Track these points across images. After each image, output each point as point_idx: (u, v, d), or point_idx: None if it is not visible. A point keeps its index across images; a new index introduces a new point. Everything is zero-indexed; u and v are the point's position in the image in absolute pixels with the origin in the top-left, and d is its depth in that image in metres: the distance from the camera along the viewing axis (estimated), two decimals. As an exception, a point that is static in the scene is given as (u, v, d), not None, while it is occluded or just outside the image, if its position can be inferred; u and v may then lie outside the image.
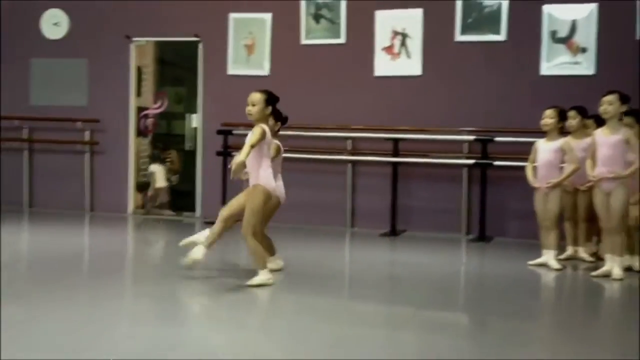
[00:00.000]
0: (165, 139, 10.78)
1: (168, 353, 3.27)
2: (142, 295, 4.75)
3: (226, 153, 8.56)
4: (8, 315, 3.82)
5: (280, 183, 5.36)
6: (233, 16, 8.72)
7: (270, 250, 5.26)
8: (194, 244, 5.15)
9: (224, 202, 8.56)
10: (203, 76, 8.99)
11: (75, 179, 9.35)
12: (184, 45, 9.29)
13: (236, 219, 4.97)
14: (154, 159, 10.10)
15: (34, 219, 8.74)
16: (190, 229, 8.21)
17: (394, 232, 7.83)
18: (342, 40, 8.40)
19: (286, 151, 8.31)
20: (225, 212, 5.00)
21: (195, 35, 8.91)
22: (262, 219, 4.91)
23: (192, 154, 9.55)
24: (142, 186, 9.70)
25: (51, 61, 9.40)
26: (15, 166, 9.55)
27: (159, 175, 9.81)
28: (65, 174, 9.39)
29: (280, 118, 5.42)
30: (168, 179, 9.97)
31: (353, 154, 8.39)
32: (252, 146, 4.71)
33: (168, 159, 10.18)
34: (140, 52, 9.61)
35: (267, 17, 8.63)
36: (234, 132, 8.60)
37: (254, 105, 4.86)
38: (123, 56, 9.24)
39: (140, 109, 9.85)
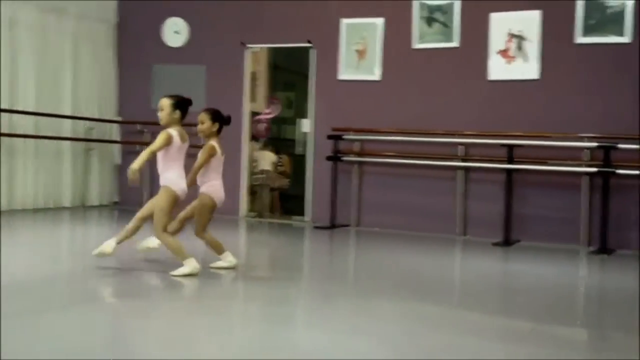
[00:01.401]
0: (277, 143, 10.99)
1: (277, 354, 3.29)
2: (251, 296, 4.83)
3: (336, 158, 8.61)
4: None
5: (216, 182, 5.47)
6: (345, 21, 8.76)
7: (219, 249, 5.27)
8: (149, 249, 5.42)
9: (333, 206, 8.62)
10: (314, 81, 9.08)
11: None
12: (296, 50, 9.43)
13: (149, 219, 5.12)
14: (262, 147, 10.32)
15: (151, 219, 9.11)
16: (300, 233, 8.32)
17: (507, 242, 7.58)
18: (455, 43, 8.24)
19: (397, 156, 8.37)
20: (139, 213, 5.15)
21: (308, 41, 9.02)
22: (169, 219, 5.04)
23: (302, 158, 9.67)
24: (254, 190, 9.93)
25: (172, 67, 9.82)
26: (136, 168, 10.02)
27: (264, 159, 10.00)
28: (182, 176, 9.75)
29: (217, 119, 5.46)
30: (280, 182, 10.14)
31: (465, 160, 8.19)
32: (152, 152, 4.90)
33: (279, 164, 10.36)
34: (254, 58, 9.85)
35: (379, 21, 8.60)
36: (344, 137, 8.64)
37: (162, 110, 5.04)
38: (238, 62, 9.50)
39: (253, 114, 10.10)
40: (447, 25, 8.25)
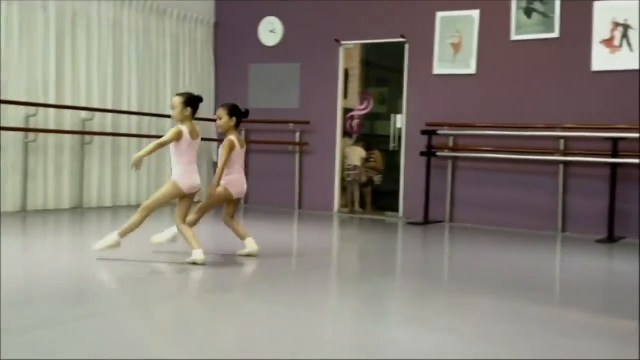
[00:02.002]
0: (370, 139, 10.96)
1: (374, 351, 3.29)
2: (346, 293, 4.84)
3: (430, 153, 8.50)
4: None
5: (235, 176, 5.50)
6: (440, 15, 8.64)
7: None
8: (160, 244, 5.49)
9: (426, 202, 8.52)
10: (408, 76, 9.00)
11: (286, 178, 9.85)
12: (389, 46, 9.38)
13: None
14: (354, 143, 10.32)
15: (249, 214, 9.32)
16: (393, 229, 8.27)
17: (611, 239, 7.24)
18: (555, 34, 7.95)
19: (494, 151, 8.18)
20: (144, 204, 5.21)
21: (402, 36, 8.95)
22: (161, 205, 5.16)
23: (395, 154, 9.61)
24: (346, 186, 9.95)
25: (267, 66, 10.00)
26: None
27: (354, 154, 10.00)
28: (278, 173, 9.93)
29: (234, 114, 5.54)
30: (371, 178, 10.11)
31: (565, 155, 7.90)
32: (160, 144, 5.06)
33: (372, 159, 10.33)
34: (347, 55, 9.87)
35: (475, 14, 8.42)
36: (439, 132, 8.52)
37: (174, 108, 5.16)
38: (332, 59, 9.55)
39: (346, 111, 10.12)
40: (547, 16, 7.97)
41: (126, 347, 3.17)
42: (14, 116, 7.85)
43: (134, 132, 9.28)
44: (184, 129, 5.13)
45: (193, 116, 5.25)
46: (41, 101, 8.10)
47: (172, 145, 5.13)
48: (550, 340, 3.56)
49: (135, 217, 5.12)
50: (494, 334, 3.63)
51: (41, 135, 8.07)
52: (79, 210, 8.50)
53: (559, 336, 3.62)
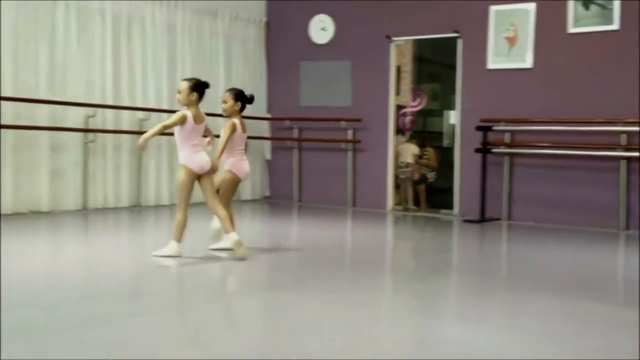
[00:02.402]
0: (422, 136, 10.87)
1: (434, 350, 3.25)
2: (401, 290, 4.81)
3: (485, 150, 8.37)
4: (282, 300, 4.13)
5: (237, 159, 5.57)
6: (494, 8, 8.49)
7: (229, 227, 5.30)
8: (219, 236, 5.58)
9: (482, 199, 8.38)
10: (461, 72, 8.88)
11: (338, 175, 9.84)
12: (442, 41, 9.27)
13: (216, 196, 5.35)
14: (408, 140, 10.25)
15: (302, 212, 9.36)
16: (448, 227, 8.17)
17: (676, 237, 7.00)
18: (615, 26, 7.71)
19: (552, 147, 8.00)
20: (177, 203, 5.34)
21: (455, 31, 8.84)
22: (188, 192, 5.20)
23: (449, 150, 9.50)
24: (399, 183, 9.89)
25: (318, 64, 10.01)
26: (286, 163, 10.35)
27: (407, 151, 9.92)
28: (330, 171, 9.93)
29: (240, 99, 5.70)
30: (424, 176, 10.02)
31: (627, 150, 7.66)
32: (164, 127, 5.15)
33: (425, 156, 10.24)
34: (399, 51, 9.80)
35: (531, 6, 8.24)
36: (494, 128, 8.38)
37: (180, 92, 5.25)
38: (383, 56, 9.50)
39: (399, 107, 10.05)
40: (606, 7, 7.75)
41: (183, 343, 3.21)
42: (73, 117, 8.06)
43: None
44: (188, 113, 5.23)
45: (199, 101, 5.34)
46: (99, 102, 8.29)
47: (176, 129, 5.23)
48: (612, 339, 3.46)
49: (177, 217, 5.22)
50: (555, 333, 3.55)
51: (100, 135, 8.26)
52: (137, 208, 8.68)
53: (622, 336, 3.51)
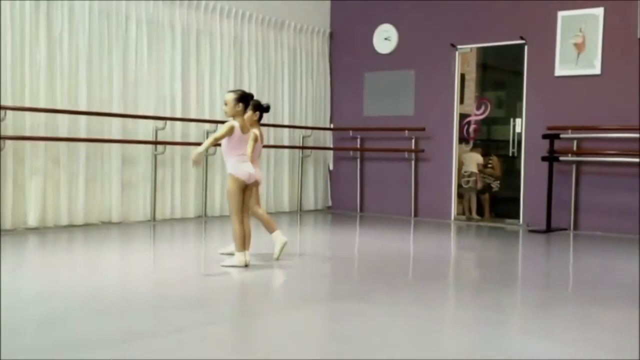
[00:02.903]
0: (487, 144, 10.72)
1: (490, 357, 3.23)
2: (466, 302, 4.77)
3: (552, 158, 8.21)
4: (348, 309, 4.16)
5: (236, 161, 5.43)
6: (562, 14, 8.33)
7: (271, 227, 5.73)
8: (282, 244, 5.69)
9: (549, 208, 8.21)
10: (527, 79, 8.75)
11: (401, 185, 9.82)
12: (507, 48, 9.15)
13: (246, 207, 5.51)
14: (472, 149, 10.14)
15: (365, 222, 9.37)
16: (514, 237, 8.04)
17: None
18: (688, 30, 7.47)
19: (621, 154, 7.77)
20: (230, 212, 5.48)
21: (521, 38, 8.71)
22: (239, 201, 5.37)
23: (515, 159, 9.34)
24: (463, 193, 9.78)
25: (382, 74, 10.04)
26: (348, 173, 10.39)
27: (471, 160, 9.81)
28: (393, 180, 9.92)
29: (258, 108, 5.85)
30: (488, 185, 9.89)
31: (703, 158, 7.38)
32: (216, 139, 5.26)
33: (489, 165, 10.10)
34: (463, 59, 9.73)
35: (599, 12, 8.06)
36: (561, 135, 8.21)
37: (226, 104, 5.38)
38: (447, 64, 9.44)
39: (463, 116, 9.96)
40: (678, 10, 7.51)
41: (246, 352, 3.28)
42: (143, 130, 8.33)
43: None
44: (236, 123, 5.34)
45: (244, 112, 5.45)
46: (168, 115, 8.54)
47: (224, 140, 5.34)
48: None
49: (233, 227, 5.36)
50: (623, 348, 3.46)
51: (168, 147, 8.50)
52: (203, 218, 8.88)
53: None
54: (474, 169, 9.84)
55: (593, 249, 7.07)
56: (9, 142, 7.01)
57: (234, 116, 5.40)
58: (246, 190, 5.42)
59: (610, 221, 7.94)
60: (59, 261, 5.84)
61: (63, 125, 7.52)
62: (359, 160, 10.27)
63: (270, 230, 5.72)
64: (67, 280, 4.99)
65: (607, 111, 8.01)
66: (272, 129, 9.77)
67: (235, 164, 5.36)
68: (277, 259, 5.65)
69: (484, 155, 10.08)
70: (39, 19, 7.36)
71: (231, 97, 5.42)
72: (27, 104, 7.22)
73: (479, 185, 9.83)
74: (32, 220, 7.25)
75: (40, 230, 7.23)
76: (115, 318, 3.79)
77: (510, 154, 10.32)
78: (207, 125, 8.96)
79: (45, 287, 4.59)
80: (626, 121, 7.82)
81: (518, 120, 9.07)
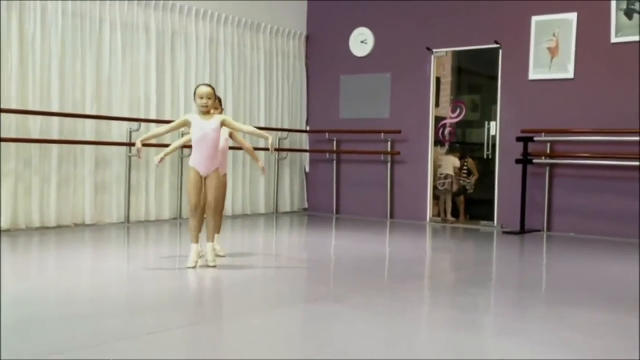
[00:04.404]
0: (462, 147, 10.80)
1: (473, 361, 3.24)
2: (441, 303, 4.79)
3: (526, 161, 8.29)
4: (330, 311, 4.15)
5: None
6: (536, 19, 8.43)
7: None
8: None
9: (522, 210, 8.29)
10: (502, 83, 8.83)
11: (377, 187, 9.85)
12: (481, 52, 9.23)
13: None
14: (447, 151, 10.19)
15: (340, 224, 9.38)
16: (488, 238, 8.10)
17: None
18: (659, 35, 7.60)
19: (593, 157, 7.87)
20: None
21: (495, 42, 8.80)
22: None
23: (489, 162, 9.42)
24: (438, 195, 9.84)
25: (358, 77, 10.06)
26: (324, 176, 10.39)
27: (446, 162, 9.88)
28: (369, 182, 9.94)
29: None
30: (463, 187, 9.95)
31: (673, 161, 7.51)
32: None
33: (464, 168, 10.17)
34: (439, 63, 9.79)
35: (573, 17, 8.17)
36: (535, 138, 8.30)
37: (210, 98, 5.29)
38: (423, 68, 9.49)
39: (438, 119, 10.02)
40: (649, 16, 7.63)
41: (225, 354, 3.26)
42: (117, 131, 8.25)
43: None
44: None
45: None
46: (143, 117, 8.47)
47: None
48: (660, 356, 3.39)
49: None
50: (597, 347, 3.50)
51: (143, 148, 8.39)
52: (177, 220, 8.81)
53: (670, 352, 3.44)
54: (450, 172, 9.90)
55: (566, 250, 7.15)
56: (-21, 143, 6.90)
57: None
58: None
59: (583, 222, 8.04)
60: (29, 264, 5.75)
61: (35, 126, 7.42)
62: (335, 163, 10.28)
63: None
64: (38, 283, 4.92)
65: (580, 115, 8.11)
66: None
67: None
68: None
69: (459, 157, 10.14)
70: (11, 20, 7.25)
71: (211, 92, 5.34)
72: (-2, 105, 7.12)
73: (454, 188, 9.89)
74: (3, 223, 7.14)
75: (11, 232, 7.12)
76: (86, 321, 3.74)
77: (485, 157, 10.40)
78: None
79: (15, 290, 4.51)
80: (598, 125, 7.93)
81: (492, 123, 9.15)
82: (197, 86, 5.41)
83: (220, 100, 5.82)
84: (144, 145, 5.42)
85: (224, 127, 5.42)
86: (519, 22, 8.57)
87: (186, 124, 5.31)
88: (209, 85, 5.40)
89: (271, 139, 5.27)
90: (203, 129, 5.23)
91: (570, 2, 8.19)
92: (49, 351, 3.14)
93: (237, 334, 3.70)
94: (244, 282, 5.11)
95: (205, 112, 5.27)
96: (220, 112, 5.71)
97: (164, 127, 5.48)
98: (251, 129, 5.59)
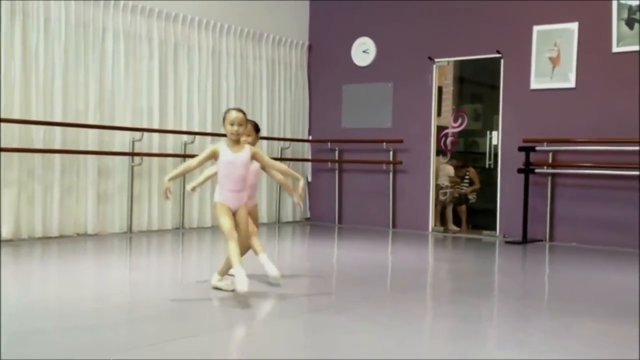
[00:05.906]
0: (464, 156, 10.81)
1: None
2: (443, 314, 4.78)
3: (528, 170, 8.29)
4: (331, 322, 4.15)
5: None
6: (537, 29, 8.45)
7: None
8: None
9: (525, 220, 8.28)
10: (503, 92, 8.84)
11: (379, 197, 9.85)
12: (484, 62, 9.25)
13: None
14: (447, 161, 10.20)
15: (343, 234, 9.37)
16: (490, 248, 8.09)
17: None
18: (660, 45, 7.61)
19: (596, 167, 7.87)
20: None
21: (497, 52, 8.81)
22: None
23: (491, 171, 9.42)
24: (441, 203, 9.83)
25: (360, 86, 10.08)
26: (326, 185, 10.40)
27: (442, 172, 9.88)
28: (371, 192, 9.94)
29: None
30: (465, 196, 9.95)
31: (675, 170, 7.50)
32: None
33: (466, 177, 10.18)
34: (441, 72, 9.81)
35: (574, 26, 8.19)
36: (537, 148, 8.30)
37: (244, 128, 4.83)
38: (425, 78, 9.51)
39: (440, 128, 10.03)
40: (650, 26, 7.65)
41: (228, 365, 3.26)
42: (120, 141, 8.27)
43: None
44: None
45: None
46: (146, 126, 8.49)
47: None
48: (663, 367, 3.38)
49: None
50: (603, 358, 3.48)
51: (145, 159, 8.45)
52: (180, 230, 8.81)
53: (673, 363, 3.43)
54: (445, 182, 9.91)
55: (568, 260, 7.14)
56: (-18, 153, 6.92)
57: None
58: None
59: (586, 232, 8.03)
60: (32, 274, 5.75)
61: (38, 136, 7.45)
62: (337, 172, 10.29)
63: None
64: (40, 293, 4.92)
65: (582, 124, 8.12)
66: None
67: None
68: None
69: (461, 167, 10.14)
70: (14, 29, 7.29)
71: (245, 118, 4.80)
72: (2, 115, 7.13)
73: (449, 198, 9.89)
74: (5, 233, 7.15)
75: (14, 242, 7.13)
76: (88, 332, 3.74)
77: (487, 166, 10.41)
78: (184, 137, 8.91)
79: (17, 300, 4.51)
80: (601, 134, 7.93)
81: (494, 133, 9.16)
82: (227, 111, 4.77)
83: (256, 127, 5.26)
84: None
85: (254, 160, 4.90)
86: (520, 31, 8.59)
87: (214, 155, 4.69)
88: (240, 110, 4.76)
89: (302, 182, 4.85)
90: (230, 165, 4.66)
91: (572, 12, 8.21)
92: (50, 362, 3.14)
93: (240, 345, 3.69)
94: (237, 295, 5.09)
95: (236, 140, 4.72)
96: (254, 140, 5.17)
97: (194, 161, 4.73)
98: (283, 167, 5.06)
